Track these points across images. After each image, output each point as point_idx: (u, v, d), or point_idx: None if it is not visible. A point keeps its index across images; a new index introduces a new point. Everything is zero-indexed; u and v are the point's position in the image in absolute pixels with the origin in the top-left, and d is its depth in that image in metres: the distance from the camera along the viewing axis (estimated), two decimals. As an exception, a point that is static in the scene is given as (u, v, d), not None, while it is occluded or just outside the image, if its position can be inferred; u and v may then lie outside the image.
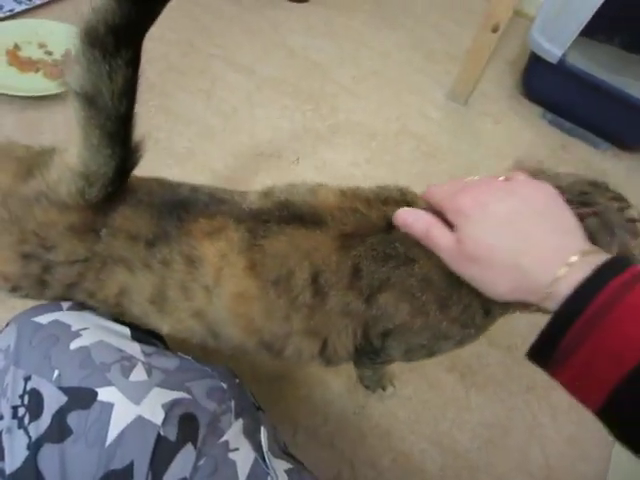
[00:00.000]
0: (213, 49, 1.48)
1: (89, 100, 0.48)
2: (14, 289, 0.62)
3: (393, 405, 0.87)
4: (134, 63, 0.49)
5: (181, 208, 0.58)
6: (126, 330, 0.66)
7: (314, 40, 1.62)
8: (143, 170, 1.10)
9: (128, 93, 0.50)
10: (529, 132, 1.55)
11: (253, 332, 0.59)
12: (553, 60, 1.46)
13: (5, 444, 0.54)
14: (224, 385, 0.62)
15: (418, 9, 1.94)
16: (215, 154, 1.19)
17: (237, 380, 0.66)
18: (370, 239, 0.56)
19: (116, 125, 0.51)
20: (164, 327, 0.62)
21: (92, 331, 0.62)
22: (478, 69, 1.45)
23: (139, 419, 0.53)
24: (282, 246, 0.56)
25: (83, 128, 0.50)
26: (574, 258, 0.42)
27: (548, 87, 1.58)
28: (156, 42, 1.44)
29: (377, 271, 0.55)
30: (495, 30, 1.37)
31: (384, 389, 0.88)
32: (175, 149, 1.18)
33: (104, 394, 0.55)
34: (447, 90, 1.54)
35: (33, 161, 0.59)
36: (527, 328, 0.98)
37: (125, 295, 0.59)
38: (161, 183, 0.64)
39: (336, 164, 1.25)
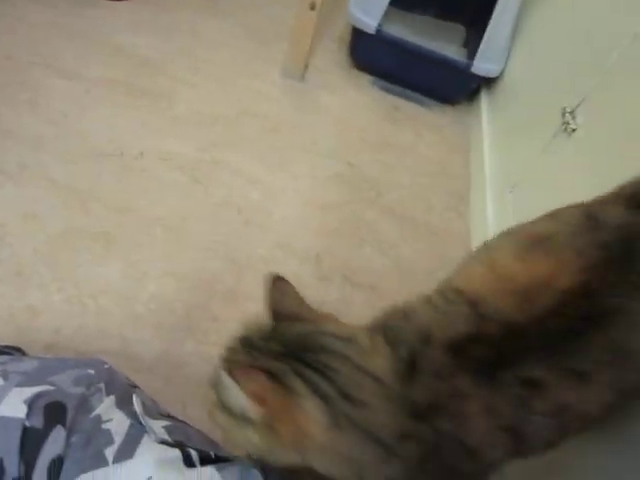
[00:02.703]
0: (32, 58, 1.39)
1: None
2: None
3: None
4: None
5: None
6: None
7: (142, 37, 1.59)
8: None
9: None
10: (363, 99, 1.68)
11: None
12: (371, 30, 1.59)
13: None
14: (91, 371, 0.63)
15: (244, -2, 1.98)
16: (51, 163, 1.14)
17: (106, 365, 0.67)
18: None
19: None
20: None
21: None
22: (305, 45, 1.54)
23: (0, 419, 0.53)
24: None
25: None
26: None
27: (372, 56, 1.72)
28: (-37, 58, 1.33)
29: None
30: (313, 7, 1.46)
31: None
32: (5, 165, 1.11)
33: None
34: (282, 69, 1.62)
35: None
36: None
37: None
38: None
39: (182, 152, 1.26)
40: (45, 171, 1.12)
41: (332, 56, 1.82)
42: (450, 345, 0.50)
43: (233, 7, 1.90)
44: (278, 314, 0.55)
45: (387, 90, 1.75)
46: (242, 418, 0.49)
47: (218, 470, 0.52)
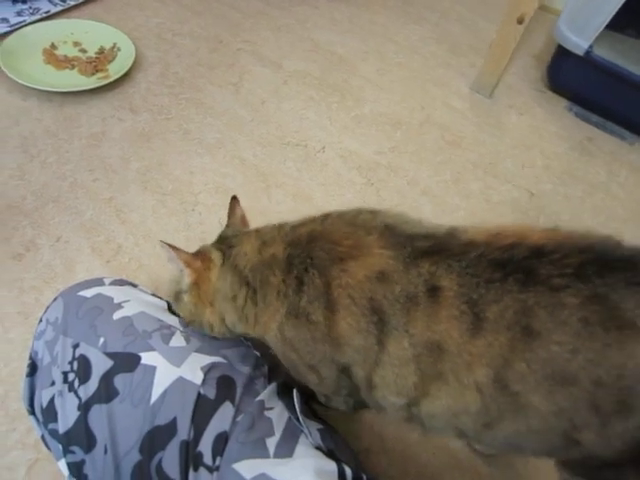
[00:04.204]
0: (241, 44, 1.52)
1: None
2: None
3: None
4: None
5: None
6: (163, 303, 0.70)
7: (339, 35, 1.64)
8: (175, 159, 1.15)
9: None
10: (554, 124, 1.54)
11: None
12: (579, 52, 1.46)
13: (57, 406, 0.58)
14: (257, 353, 0.65)
15: (442, 4, 1.95)
16: (244, 144, 1.23)
17: (270, 350, 0.69)
18: None
19: None
20: None
21: (133, 303, 0.66)
22: (503, 60, 1.46)
23: (180, 380, 0.56)
24: None
25: None
26: None
27: (574, 79, 1.57)
28: (185, 38, 1.49)
29: None
30: (521, 21, 1.37)
31: None
32: (205, 139, 1.22)
33: (147, 358, 0.58)
34: (471, 82, 1.55)
35: None
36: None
37: None
38: None
39: (361, 153, 1.27)
40: (238, 150, 1.21)
41: (526, 74, 1.70)
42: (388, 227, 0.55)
43: (430, 14, 1.88)
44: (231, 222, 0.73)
45: (583, 118, 1.59)
46: (182, 291, 0.66)
47: None
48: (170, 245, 0.63)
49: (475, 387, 0.47)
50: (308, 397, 0.70)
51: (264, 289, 0.57)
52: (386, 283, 0.49)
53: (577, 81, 1.56)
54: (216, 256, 0.64)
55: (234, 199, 0.74)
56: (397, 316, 0.49)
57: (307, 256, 0.54)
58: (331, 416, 0.78)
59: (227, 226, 0.72)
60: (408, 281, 0.49)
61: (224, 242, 0.66)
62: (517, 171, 1.35)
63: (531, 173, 1.35)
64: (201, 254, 0.66)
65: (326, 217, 0.59)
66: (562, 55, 1.53)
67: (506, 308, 0.45)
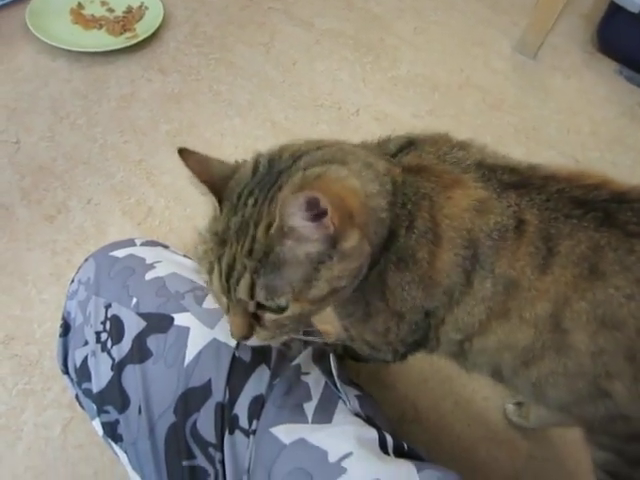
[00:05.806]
0: (271, 3, 1.46)
1: None
2: None
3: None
4: None
5: None
6: (195, 264, 0.68)
7: (374, -8, 1.57)
8: (206, 121, 1.12)
9: None
10: (603, 88, 1.45)
11: None
12: (634, 9, 1.35)
13: (91, 366, 0.57)
14: (291, 316, 0.63)
15: (483, -41, 1.83)
16: (275, 106, 1.19)
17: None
18: None
19: None
20: None
21: (165, 264, 0.64)
22: (550, 18, 1.37)
23: (214, 341, 0.55)
24: None
25: None
26: None
27: (626, 40, 1.47)
28: (215, -5, 1.44)
29: None
30: (571, -26, 1.28)
31: None
32: (236, 101, 1.19)
33: (180, 319, 0.57)
34: (515, 42, 1.47)
35: None
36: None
37: None
38: None
39: (397, 116, 1.22)
40: (269, 112, 1.18)
41: (573, 35, 1.60)
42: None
43: (471, -31, 1.76)
44: (213, 181, 0.49)
45: (635, 82, 1.49)
46: (323, 253, 0.44)
47: (417, 469, 0.48)
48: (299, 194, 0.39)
49: (533, 322, 0.47)
50: (342, 356, 0.68)
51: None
52: (483, 213, 0.48)
53: (629, 42, 1.46)
54: (336, 170, 0.47)
55: (186, 152, 0.50)
56: (486, 254, 0.48)
57: (418, 186, 0.49)
58: (364, 383, 0.76)
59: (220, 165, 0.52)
60: (501, 211, 0.48)
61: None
62: (562, 137, 1.28)
63: (577, 139, 1.28)
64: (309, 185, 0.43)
65: (413, 145, 0.55)
66: (614, 13, 1.43)
67: (579, 243, 0.46)
